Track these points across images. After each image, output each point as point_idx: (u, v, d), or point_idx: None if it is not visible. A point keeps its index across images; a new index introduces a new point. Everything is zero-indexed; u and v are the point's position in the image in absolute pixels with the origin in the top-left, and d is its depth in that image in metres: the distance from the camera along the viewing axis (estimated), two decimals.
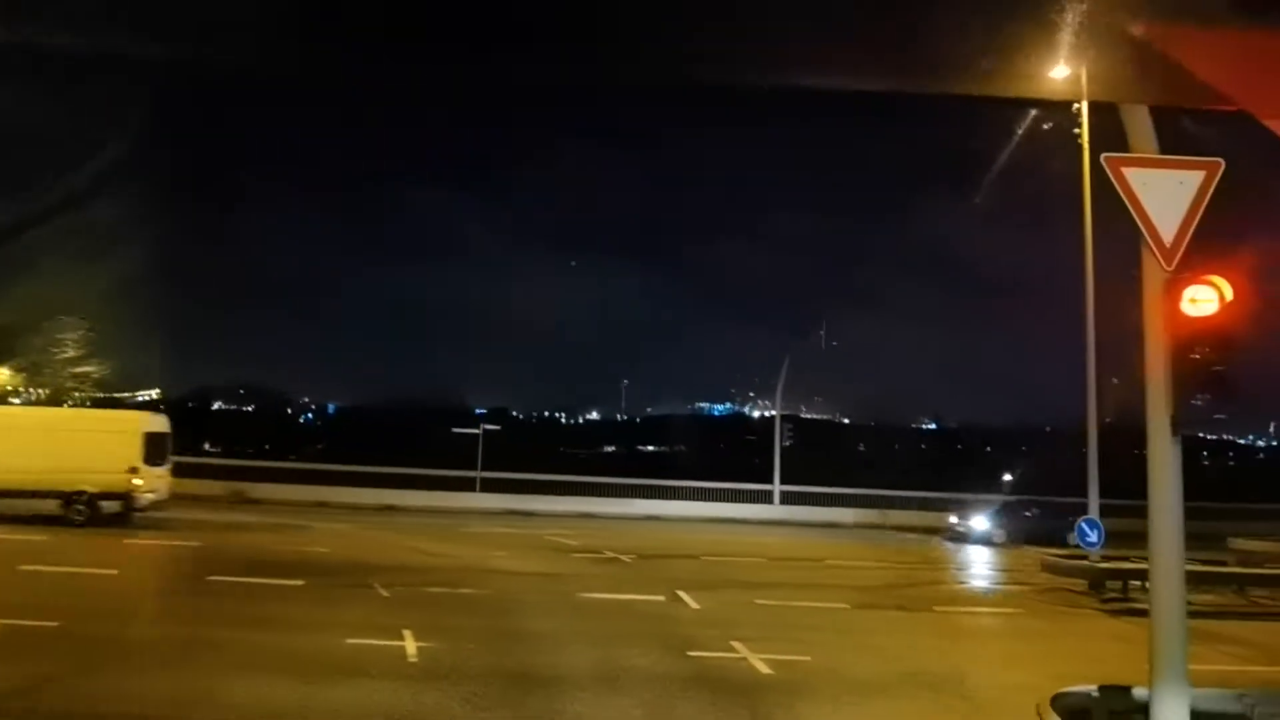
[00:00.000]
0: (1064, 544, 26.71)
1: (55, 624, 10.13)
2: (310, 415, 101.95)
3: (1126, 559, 17.05)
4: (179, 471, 32.78)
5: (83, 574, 13.72)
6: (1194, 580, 16.00)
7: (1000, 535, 28.10)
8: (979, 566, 22.19)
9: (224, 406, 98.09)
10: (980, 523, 28.97)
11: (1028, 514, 29.41)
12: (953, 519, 30.42)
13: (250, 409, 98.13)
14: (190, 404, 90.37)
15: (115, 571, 14.03)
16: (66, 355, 33.65)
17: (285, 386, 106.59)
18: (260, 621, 11.12)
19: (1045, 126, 17.80)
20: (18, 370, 33.92)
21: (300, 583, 14.07)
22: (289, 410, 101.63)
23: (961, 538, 28.78)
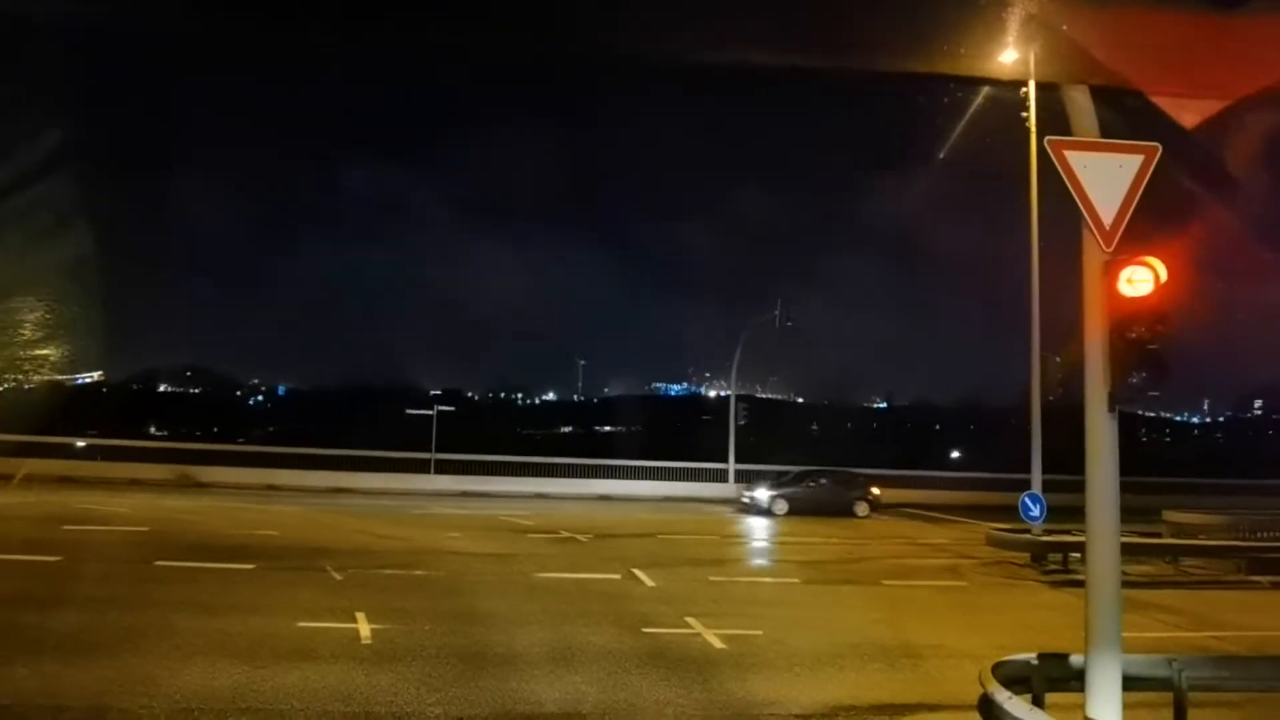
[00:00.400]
0: (852, 514, 27.41)
1: None
2: (260, 398, 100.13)
3: (1068, 532, 17.58)
4: (123, 455, 32.18)
5: (13, 560, 13.37)
6: (1129, 551, 16.66)
7: (783, 506, 28.13)
8: (927, 541, 22.67)
9: (170, 389, 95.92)
10: (763, 494, 28.90)
11: (812, 485, 29.57)
12: (744, 491, 30.09)
13: (197, 391, 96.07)
14: (135, 386, 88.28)
15: (58, 557, 13.66)
16: (25, 336, 32.72)
17: (234, 369, 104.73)
18: (208, 606, 10.92)
19: (995, 109, 18.08)
20: None
21: (250, 566, 13.87)
22: (238, 393, 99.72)
23: (748, 509, 28.71)
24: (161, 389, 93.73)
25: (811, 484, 29.57)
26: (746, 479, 35.22)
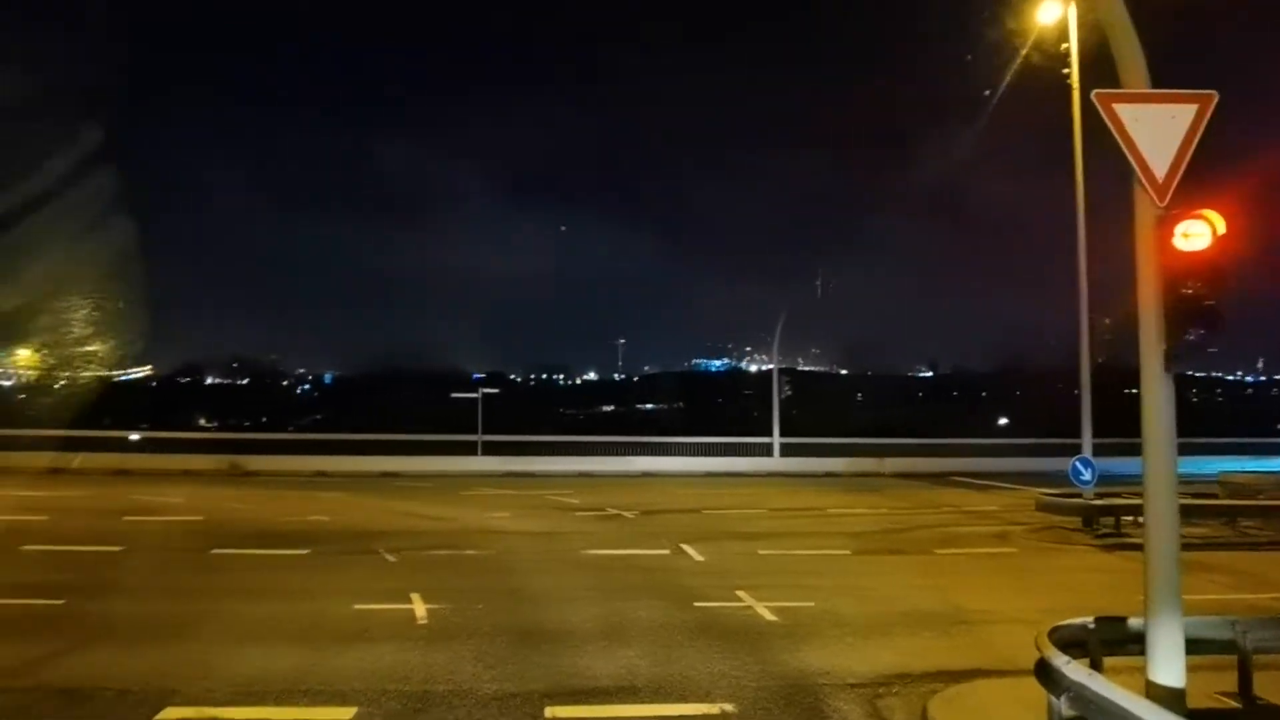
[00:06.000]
0: None
1: (60, 602, 10.24)
2: (307, 386, 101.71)
3: (1119, 495, 17.28)
4: (175, 447, 33.00)
5: (81, 551, 13.81)
6: (1185, 513, 16.28)
7: None
8: (976, 509, 22.43)
9: (217, 380, 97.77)
10: None
11: None
12: None
13: (245, 382, 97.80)
14: (182, 379, 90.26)
15: (120, 547, 14.09)
16: (75, 334, 33.86)
17: (279, 358, 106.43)
18: (264, 591, 11.22)
19: (1039, 59, 17.61)
20: (36, 350, 34.11)
21: (304, 552, 14.18)
22: (284, 382, 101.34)
23: None
24: (209, 381, 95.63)
25: None
26: (791, 453, 35.14)
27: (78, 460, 28.72)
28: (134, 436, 34.93)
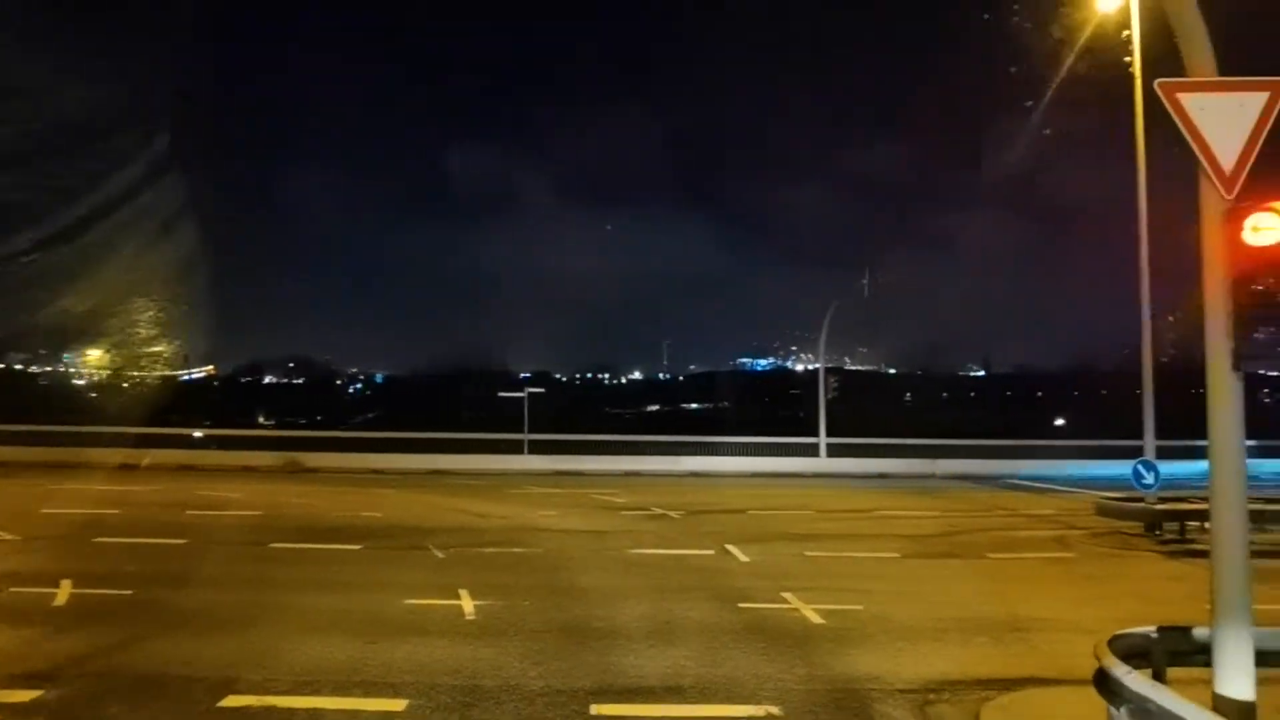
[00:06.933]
0: None
1: (129, 592, 10.58)
2: (359, 385, 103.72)
3: (1184, 500, 16.73)
4: (235, 444, 33.91)
5: (148, 544, 14.24)
6: (1256, 519, 15.71)
7: None
8: (1032, 512, 21.93)
9: (275, 380, 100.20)
10: None
11: None
12: None
13: (300, 381, 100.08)
14: (243, 379, 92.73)
15: (184, 540, 14.50)
16: (141, 335, 35.15)
17: (334, 358, 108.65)
18: (320, 585, 11.45)
19: (1102, 51, 17.15)
20: (107, 350, 35.50)
21: (357, 547, 14.44)
22: (338, 381, 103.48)
23: None
24: (267, 380, 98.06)
25: None
26: (838, 453, 34.77)
27: (148, 458, 29.69)
28: (198, 434, 36.02)
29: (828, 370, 38.37)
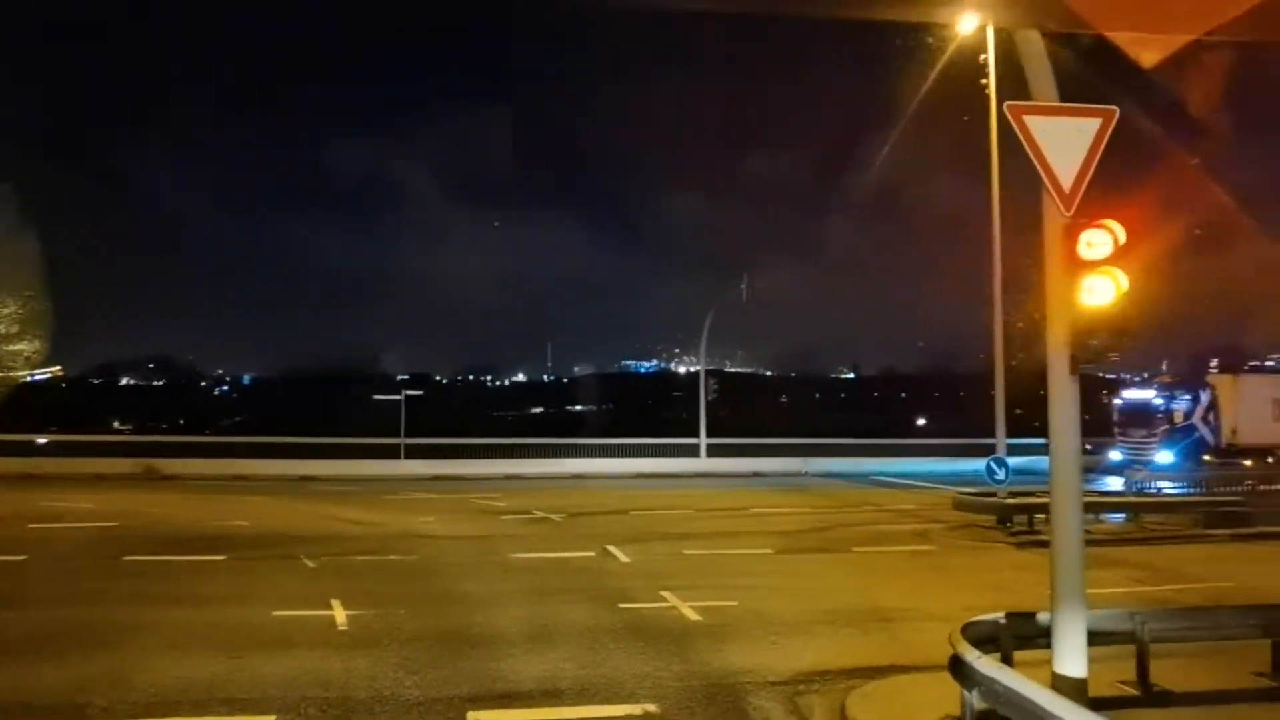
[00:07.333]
0: None
1: None
2: (225, 387, 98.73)
3: (1032, 494, 17.94)
4: (86, 451, 31.58)
5: None
6: (1092, 510, 17.02)
7: None
8: (896, 508, 23.01)
9: (133, 382, 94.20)
10: None
11: None
12: None
13: (161, 383, 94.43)
14: (95, 381, 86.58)
15: (23, 556, 13.42)
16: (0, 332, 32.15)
17: (198, 359, 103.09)
18: (180, 599, 10.82)
19: (961, 69, 18.14)
20: None
21: (221, 558, 13.73)
22: (202, 383, 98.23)
23: None
24: (124, 382, 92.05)
25: None
26: (718, 453, 35.50)
27: None
28: (41, 440, 33.35)
29: (708, 372, 39.11)
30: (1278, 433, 27.14)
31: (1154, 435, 28.15)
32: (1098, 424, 29.27)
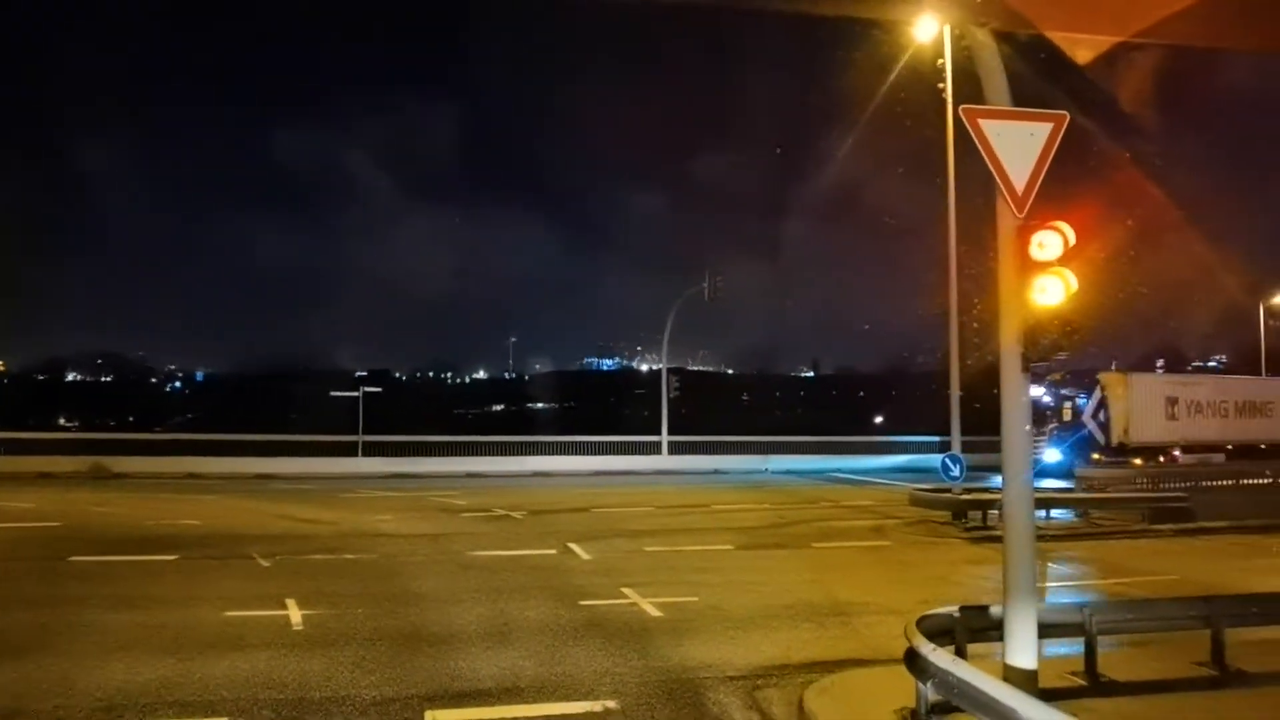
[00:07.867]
0: None
1: None
2: (177, 384, 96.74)
3: (986, 490, 18.27)
4: (30, 448, 30.69)
5: None
6: (1043, 506, 17.37)
7: None
8: (853, 504, 23.29)
9: (80, 378, 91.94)
10: None
11: None
12: None
13: (109, 379, 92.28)
14: (40, 376, 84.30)
15: None
16: None
17: (147, 354, 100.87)
18: (128, 600, 10.56)
19: (922, 70, 18.39)
20: None
21: (171, 557, 13.45)
22: (153, 379, 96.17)
23: None
24: (70, 378, 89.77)
25: None
26: (679, 451, 35.65)
27: None
28: None
29: (670, 370, 39.26)
30: (1172, 432, 26.67)
31: (1042, 434, 27.92)
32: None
